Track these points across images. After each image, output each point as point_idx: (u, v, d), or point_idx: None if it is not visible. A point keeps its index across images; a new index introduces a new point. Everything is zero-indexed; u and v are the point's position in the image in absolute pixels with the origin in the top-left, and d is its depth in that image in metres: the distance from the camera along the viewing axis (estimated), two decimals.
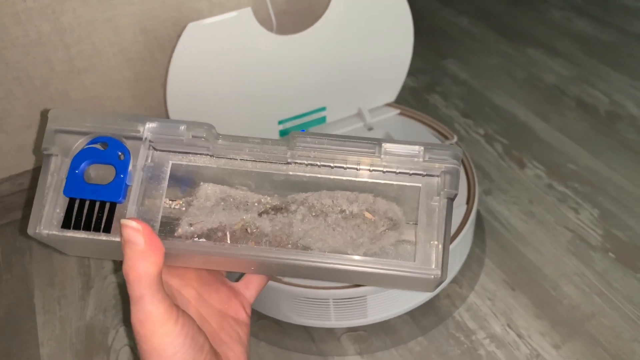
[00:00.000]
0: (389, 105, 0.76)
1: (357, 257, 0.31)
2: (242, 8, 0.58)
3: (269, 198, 0.33)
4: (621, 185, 0.73)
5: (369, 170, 0.31)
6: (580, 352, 0.55)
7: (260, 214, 0.32)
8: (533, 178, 0.75)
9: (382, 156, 0.31)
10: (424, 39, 0.78)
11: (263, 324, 0.59)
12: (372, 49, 0.69)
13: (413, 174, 0.31)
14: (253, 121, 0.68)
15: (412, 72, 0.75)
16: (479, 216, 0.70)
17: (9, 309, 0.62)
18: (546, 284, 0.62)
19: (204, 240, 0.31)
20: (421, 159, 0.31)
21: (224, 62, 0.61)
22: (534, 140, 0.82)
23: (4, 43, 0.61)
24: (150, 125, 0.31)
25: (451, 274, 0.61)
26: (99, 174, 0.31)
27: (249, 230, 0.32)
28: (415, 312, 0.59)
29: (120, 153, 0.30)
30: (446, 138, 0.70)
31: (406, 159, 0.31)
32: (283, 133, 0.71)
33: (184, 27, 0.56)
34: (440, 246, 0.30)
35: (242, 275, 0.39)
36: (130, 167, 0.30)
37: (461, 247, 0.60)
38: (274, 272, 0.41)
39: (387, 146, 0.31)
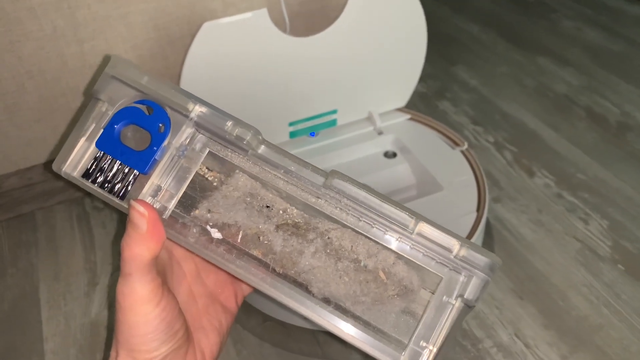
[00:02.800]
0: (399, 110, 0.76)
1: (347, 328, 0.29)
2: (255, 8, 0.58)
3: (295, 211, 0.31)
4: (631, 196, 0.73)
5: (396, 239, 0.29)
6: None
7: (277, 227, 0.31)
8: (542, 187, 0.75)
9: (414, 235, 0.29)
10: (434, 45, 0.78)
11: (268, 326, 0.59)
12: (385, 54, 0.69)
13: (440, 262, 0.29)
14: (264, 122, 0.68)
15: (422, 78, 0.75)
16: (487, 224, 0.69)
17: (14, 303, 0.62)
18: (554, 294, 0.61)
19: (204, 241, 0.31)
20: (453, 254, 0.28)
21: (237, 62, 0.60)
22: (543, 149, 0.82)
23: (18, 37, 0.61)
24: (200, 108, 0.30)
25: None
26: (136, 136, 0.30)
27: (260, 239, 0.31)
28: None
29: (161, 124, 0.30)
30: (457, 144, 0.70)
31: (438, 247, 0.29)
32: (293, 135, 0.71)
33: (196, 26, 0.56)
34: (434, 351, 0.28)
35: None
36: (165, 142, 0.30)
37: None
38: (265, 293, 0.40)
39: (423, 227, 0.29)
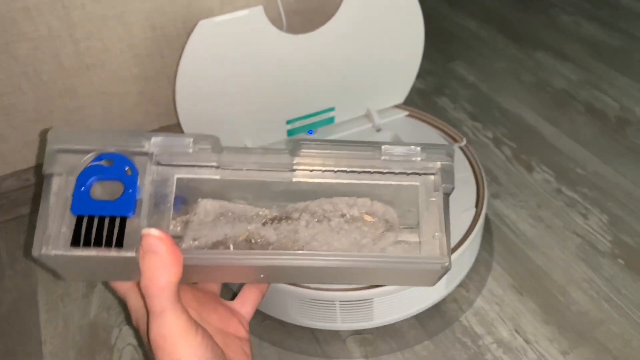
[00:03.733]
0: (397, 106, 0.76)
1: (366, 254, 0.32)
2: (252, 6, 0.58)
3: (267, 210, 0.33)
4: (630, 191, 0.73)
5: (371, 172, 0.33)
6: (589, 359, 0.54)
7: (264, 224, 0.33)
8: (542, 182, 0.75)
9: (383, 157, 0.32)
10: (432, 41, 0.77)
11: (268, 325, 0.59)
12: (382, 50, 0.69)
13: (411, 173, 0.33)
14: (261, 120, 0.68)
15: (420, 74, 0.74)
16: (487, 220, 0.69)
17: (12, 306, 0.62)
18: (554, 289, 0.61)
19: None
20: (419, 158, 0.33)
21: (234, 60, 0.60)
22: (542, 144, 0.81)
23: (14, 37, 0.60)
24: (155, 140, 0.31)
25: (458, 277, 0.60)
26: (105, 190, 0.31)
27: (253, 241, 0.32)
28: (421, 315, 0.58)
29: (127, 168, 0.30)
30: (455, 140, 0.69)
31: (404, 159, 0.32)
32: (291, 133, 0.71)
33: (193, 25, 0.56)
34: (444, 237, 0.32)
35: (236, 293, 0.39)
36: (138, 182, 0.30)
37: (469, 251, 0.59)
38: (283, 277, 0.41)
39: (386, 148, 0.32)
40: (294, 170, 0.32)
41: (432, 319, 0.58)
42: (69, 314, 0.61)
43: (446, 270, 0.32)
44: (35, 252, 0.29)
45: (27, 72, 0.64)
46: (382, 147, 0.32)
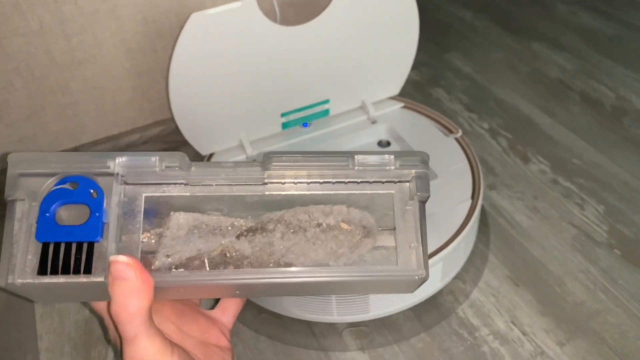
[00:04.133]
0: (393, 98, 0.75)
1: (341, 268, 0.32)
2: None
3: (242, 221, 0.33)
4: (627, 181, 0.72)
5: (345, 182, 0.32)
6: (585, 350, 0.54)
7: (238, 237, 0.32)
8: (538, 173, 0.75)
9: (356, 168, 0.32)
10: (427, 32, 0.77)
11: (264, 318, 0.59)
12: (377, 42, 0.68)
13: (386, 181, 0.33)
14: (256, 113, 0.67)
15: (415, 66, 0.74)
16: (483, 211, 0.69)
17: (8, 302, 0.62)
18: (551, 280, 0.61)
19: (183, 270, 0.31)
20: (393, 167, 0.32)
21: (227, 53, 0.60)
22: (538, 135, 0.81)
23: (4, 33, 0.60)
24: (120, 160, 0.30)
25: (454, 269, 0.60)
26: (71, 214, 0.30)
27: (228, 255, 0.32)
28: (418, 308, 0.58)
29: (92, 191, 0.29)
30: (451, 132, 0.69)
31: (379, 168, 0.32)
32: (286, 125, 0.71)
33: (185, 18, 0.55)
34: (420, 247, 0.32)
35: (217, 302, 0.38)
36: (104, 204, 0.29)
37: (465, 243, 0.59)
38: (260, 293, 0.41)
39: (360, 158, 0.32)
40: (265, 183, 0.32)
41: (428, 311, 0.58)
42: (64, 309, 0.61)
43: (423, 281, 0.32)
44: (1, 282, 0.28)
45: (19, 68, 0.63)
46: (356, 157, 0.32)
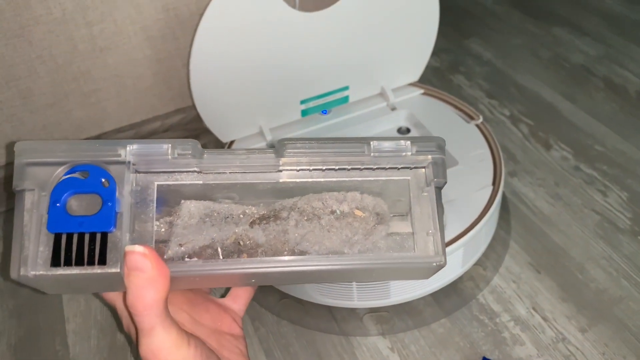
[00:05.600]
0: (412, 84, 0.75)
1: (359, 256, 0.31)
2: None
3: (254, 208, 0.32)
4: None
5: (360, 169, 0.32)
6: (608, 336, 0.54)
7: (251, 225, 0.32)
8: (559, 160, 0.74)
9: (372, 154, 0.31)
10: (447, 17, 0.76)
11: (285, 303, 0.59)
12: (397, 27, 0.68)
13: (402, 167, 0.32)
14: (275, 100, 0.67)
15: (434, 52, 0.73)
16: (504, 198, 0.69)
17: None
18: (572, 267, 0.61)
19: (198, 259, 0.30)
20: (409, 153, 0.32)
21: (247, 40, 0.60)
22: (560, 121, 0.80)
23: (28, 21, 0.61)
24: (131, 147, 0.29)
25: (475, 255, 0.60)
26: (82, 204, 0.29)
27: (241, 243, 0.31)
28: (438, 293, 0.58)
29: (103, 180, 0.29)
30: (472, 118, 0.69)
31: (394, 154, 0.32)
32: (305, 113, 0.71)
33: (205, 5, 0.55)
34: (438, 234, 0.31)
35: (227, 290, 0.38)
36: (117, 194, 0.29)
37: (486, 229, 0.59)
38: (275, 282, 0.41)
39: (375, 144, 0.32)
40: (280, 170, 0.31)
41: (449, 297, 0.59)
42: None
43: (440, 267, 0.31)
44: (13, 274, 0.28)
45: (43, 56, 0.64)
46: (371, 143, 0.32)
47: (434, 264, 0.31)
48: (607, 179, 0.70)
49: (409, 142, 0.32)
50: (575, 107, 0.82)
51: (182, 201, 0.32)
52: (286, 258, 0.31)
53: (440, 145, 0.32)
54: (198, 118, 0.64)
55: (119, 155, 0.29)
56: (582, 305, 0.57)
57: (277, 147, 0.31)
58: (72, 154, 0.29)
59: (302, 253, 0.31)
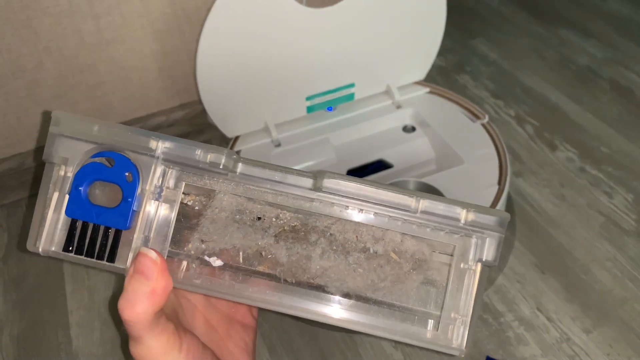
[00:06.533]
0: (418, 83, 0.75)
1: (373, 323, 0.29)
2: None
3: (288, 215, 0.30)
4: None
5: (402, 222, 0.29)
6: (612, 337, 0.54)
7: (277, 239, 0.30)
8: (565, 161, 0.74)
9: (419, 214, 0.28)
10: (453, 17, 0.76)
11: None
12: (404, 25, 0.67)
13: (449, 231, 0.28)
14: (281, 96, 0.67)
15: (440, 52, 0.73)
16: (509, 198, 0.68)
17: (39, 277, 0.63)
18: (577, 268, 0.61)
19: (207, 278, 0.29)
20: (462, 222, 0.28)
21: (254, 35, 0.60)
22: (566, 122, 0.80)
23: (35, 12, 0.61)
24: (163, 144, 0.28)
25: None
26: (105, 191, 0.29)
27: (263, 254, 0.30)
28: None
29: (127, 174, 0.28)
30: (477, 117, 0.68)
31: (444, 219, 0.28)
32: (310, 109, 0.70)
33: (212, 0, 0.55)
34: (467, 320, 0.28)
35: None
36: (138, 191, 0.28)
37: None
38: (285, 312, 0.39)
39: (425, 204, 0.28)
40: (313, 202, 0.29)
41: None
42: (93, 286, 0.62)
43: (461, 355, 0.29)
44: (29, 246, 0.28)
45: (49, 48, 0.64)
46: (421, 201, 0.28)
47: (454, 354, 0.28)
48: (613, 181, 0.70)
49: (464, 211, 0.28)
50: (581, 109, 0.82)
51: (217, 191, 0.30)
52: (295, 299, 0.29)
53: (502, 222, 0.28)
54: (203, 113, 0.64)
55: (150, 149, 0.28)
56: (587, 306, 0.57)
57: (315, 177, 0.29)
58: (104, 137, 0.28)
59: (320, 287, 0.29)
